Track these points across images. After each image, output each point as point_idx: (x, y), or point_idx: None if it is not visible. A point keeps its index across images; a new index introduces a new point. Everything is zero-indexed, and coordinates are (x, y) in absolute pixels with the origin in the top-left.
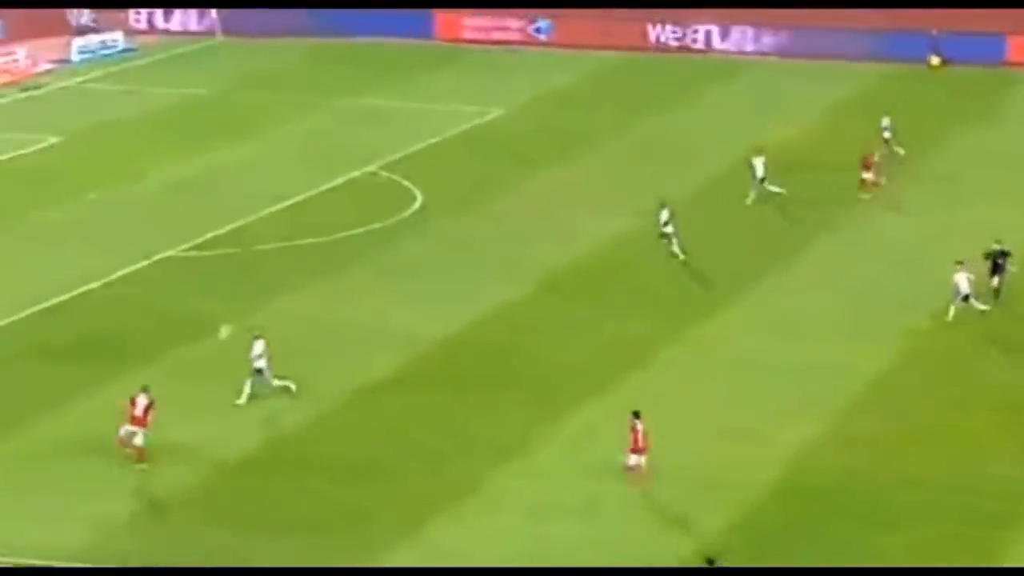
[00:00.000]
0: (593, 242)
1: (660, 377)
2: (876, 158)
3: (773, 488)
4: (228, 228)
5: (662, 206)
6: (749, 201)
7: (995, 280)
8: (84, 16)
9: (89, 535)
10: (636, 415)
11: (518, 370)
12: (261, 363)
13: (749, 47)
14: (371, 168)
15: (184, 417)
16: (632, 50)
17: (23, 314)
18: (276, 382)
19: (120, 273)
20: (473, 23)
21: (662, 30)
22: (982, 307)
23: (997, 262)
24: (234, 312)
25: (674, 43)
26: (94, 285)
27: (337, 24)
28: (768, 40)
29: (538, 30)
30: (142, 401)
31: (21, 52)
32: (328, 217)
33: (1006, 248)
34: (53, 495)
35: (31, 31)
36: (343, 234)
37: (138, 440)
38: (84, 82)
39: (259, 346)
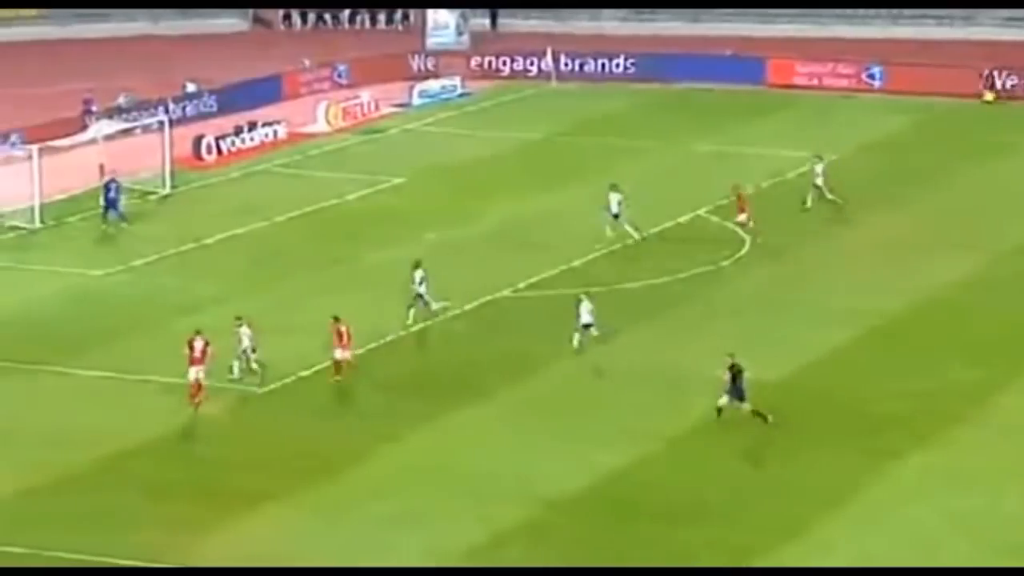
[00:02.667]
0: (922, 287)
1: (989, 428)
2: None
3: None
4: (559, 269)
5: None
6: None
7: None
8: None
9: (421, 563)
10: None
11: (843, 415)
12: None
13: None
14: (700, 212)
15: (512, 452)
16: (965, 96)
17: (360, 350)
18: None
19: (454, 312)
20: (806, 70)
21: (998, 76)
22: None
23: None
24: (563, 351)
25: (1012, 89)
26: (430, 322)
27: (663, 70)
28: None
29: (871, 76)
30: (199, 344)
31: (364, 96)
32: (655, 260)
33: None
34: (385, 527)
35: (374, 76)
36: (669, 277)
37: (199, 375)
38: (424, 125)
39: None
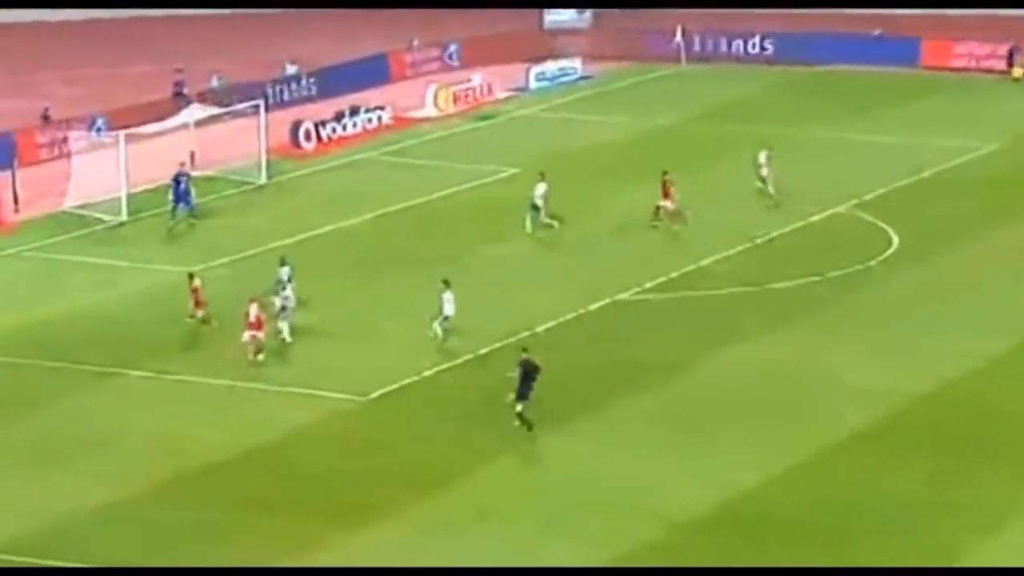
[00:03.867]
0: None
1: None
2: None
3: None
4: (687, 268)
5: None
6: None
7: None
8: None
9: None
10: None
11: (997, 432)
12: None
13: None
14: (843, 207)
15: (634, 469)
16: None
17: (465, 357)
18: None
19: (568, 316)
20: (963, 50)
21: None
22: None
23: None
24: (684, 360)
25: None
26: (543, 327)
27: (803, 50)
28: None
29: None
30: (254, 310)
31: (476, 78)
32: (794, 259)
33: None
34: (496, 547)
35: (487, 57)
36: (809, 279)
37: (259, 335)
38: (541, 110)
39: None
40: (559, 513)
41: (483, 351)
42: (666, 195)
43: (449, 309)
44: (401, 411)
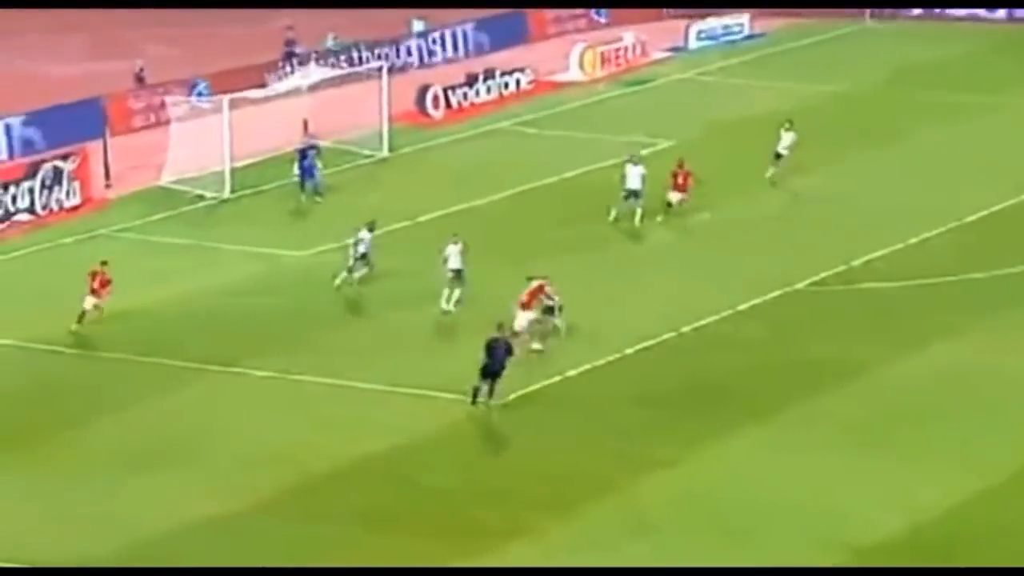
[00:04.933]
0: None
1: None
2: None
3: None
4: (871, 256)
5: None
6: None
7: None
8: None
9: None
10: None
11: None
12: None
13: None
14: None
15: (807, 485)
16: None
17: (614, 356)
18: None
19: (736, 309)
20: None
21: None
22: None
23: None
24: (869, 360)
25: None
26: (704, 321)
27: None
28: None
29: None
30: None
31: (629, 38)
32: (996, 248)
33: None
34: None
35: (639, 13)
36: (1011, 269)
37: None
38: (702, 74)
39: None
40: (723, 533)
41: (630, 350)
42: (677, 187)
43: (456, 263)
44: (537, 416)
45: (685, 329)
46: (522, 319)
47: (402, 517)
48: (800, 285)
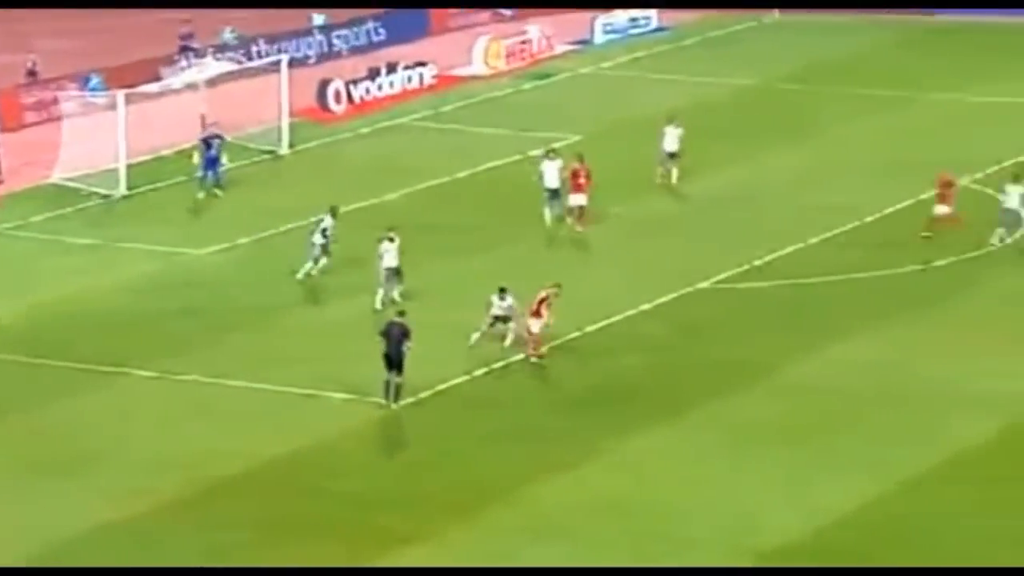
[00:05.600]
0: None
1: None
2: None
3: None
4: (779, 254)
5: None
6: None
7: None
8: None
9: None
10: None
11: None
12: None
13: None
14: (963, 182)
15: (713, 488)
16: None
17: (519, 356)
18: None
19: (640, 308)
20: None
21: None
22: None
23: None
24: (778, 360)
25: None
26: (609, 321)
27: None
28: None
29: None
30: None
31: (534, 31)
32: (902, 243)
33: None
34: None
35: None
36: (919, 266)
37: (535, 328)
38: (609, 68)
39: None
40: (629, 536)
41: (543, 349)
42: (577, 187)
43: (391, 260)
44: (443, 417)
45: (590, 329)
46: (535, 326)
47: (303, 523)
48: (704, 284)
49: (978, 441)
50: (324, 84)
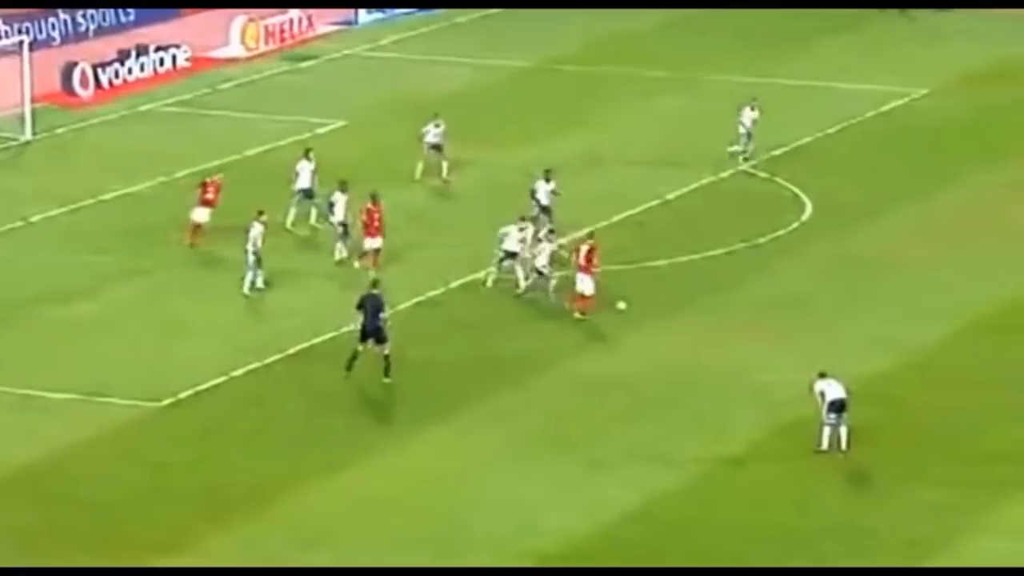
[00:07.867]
0: None
1: None
2: None
3: None
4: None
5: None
6: None
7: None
8: None
9: None
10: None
11: (930, 444)
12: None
13: None
14: (745, 167)
15: (494, 486)
16: None
17: (278, 355)
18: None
19: (413, 302)
20: None
21: None
22: None
23: None
24: (554, 355)
25: None
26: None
27: None
28: None
29: None
30: (584, 248)
31: (294, 12)
32: (686, 231)
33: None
34: None
35: None
36: (704, 254)
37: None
38: (373, 49)
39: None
40: (403, 541)
41: (292, 349)
42: (374, 231)
43: (255, 245)
44: (201, 420)
45: (350, 327)
46: (588, 286)
47: (51, 534)
48: (481, 275)
49: (763, 435)
50: (69, 67)
